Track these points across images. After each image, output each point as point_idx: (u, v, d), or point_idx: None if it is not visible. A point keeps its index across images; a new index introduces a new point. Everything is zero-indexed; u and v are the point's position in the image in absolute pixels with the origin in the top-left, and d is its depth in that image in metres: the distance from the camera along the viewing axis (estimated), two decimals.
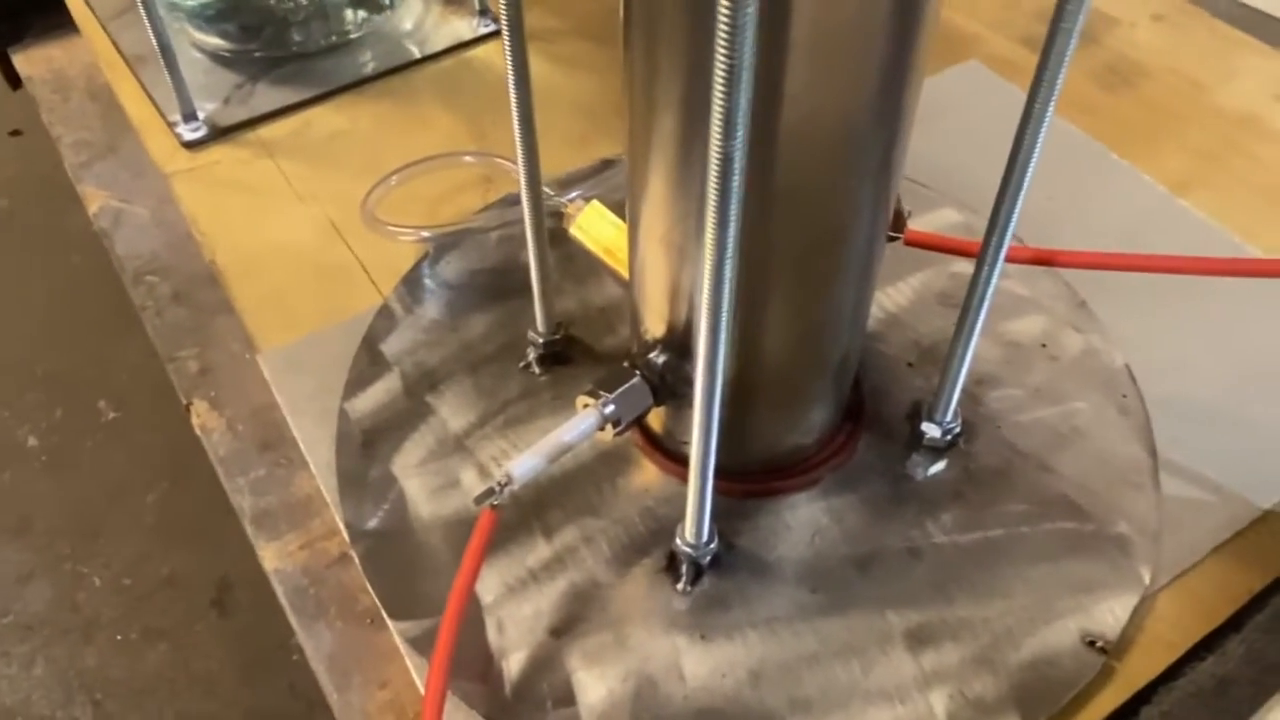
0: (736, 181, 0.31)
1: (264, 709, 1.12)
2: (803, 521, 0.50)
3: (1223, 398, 0.55)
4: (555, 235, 0.55)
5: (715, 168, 0.30)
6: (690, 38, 0.34)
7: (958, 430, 0.51)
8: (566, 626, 0.46)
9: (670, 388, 0.46)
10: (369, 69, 0.76)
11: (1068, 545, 0.49)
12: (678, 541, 0.47)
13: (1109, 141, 0.70)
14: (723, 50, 0.27)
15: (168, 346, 0.60)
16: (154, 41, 0.67)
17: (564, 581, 0.48)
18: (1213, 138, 0.70)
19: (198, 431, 0.56)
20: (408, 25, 0.80)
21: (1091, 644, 0.45)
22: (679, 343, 0.45)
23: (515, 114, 0.45)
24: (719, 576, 0.48)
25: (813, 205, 0.39)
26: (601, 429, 0.45)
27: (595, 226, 0.56)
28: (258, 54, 0.76)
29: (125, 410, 1.40)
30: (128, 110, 0.74)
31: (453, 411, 0.54)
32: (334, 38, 0.77)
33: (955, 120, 0.69)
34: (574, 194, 0.60)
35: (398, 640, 0.46)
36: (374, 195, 0.64)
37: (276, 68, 0.76)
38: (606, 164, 0.67)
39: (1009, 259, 0.44)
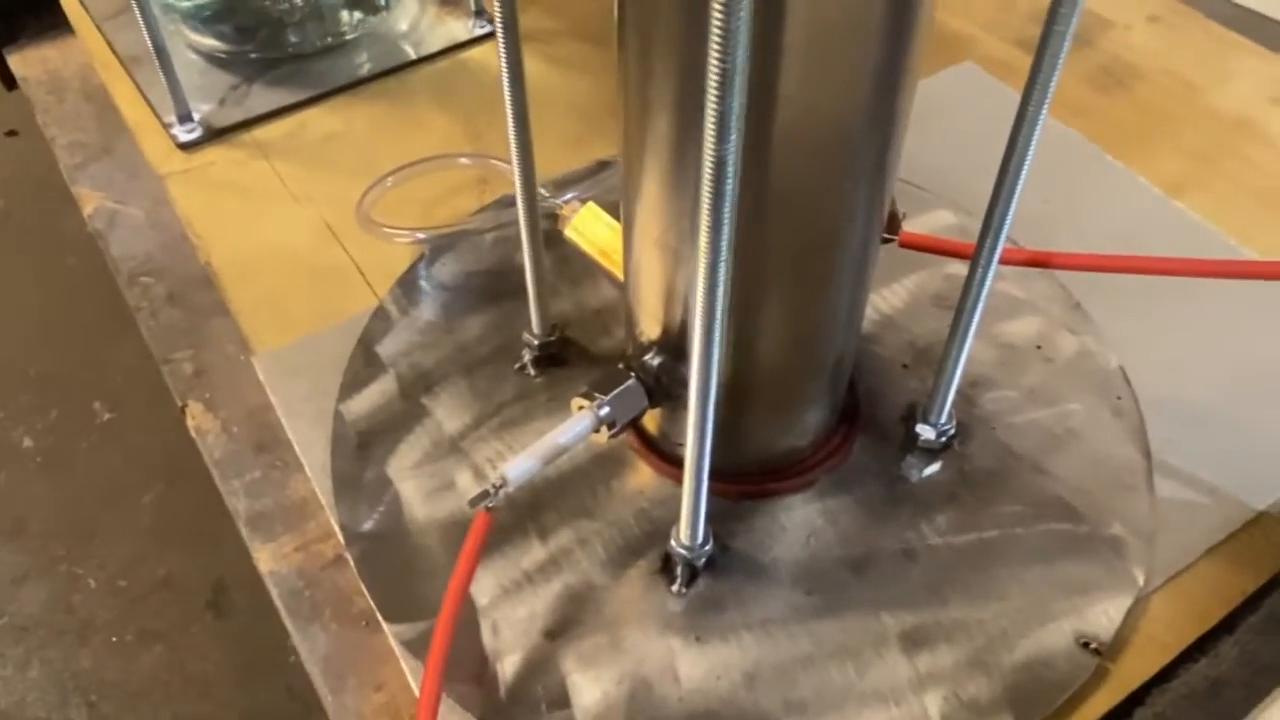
0: (730, 184, 0.31)
1: (260, 711, 1.12)
2: (798, 523, 0.50)
3: (1217, 400, 0.55)
4: (551, 237, 0.55)
5: (709, 171, 0.30)
6: (684, 40, 0.34)
7: (952, 432, 0.52)
8: (561, 629, 0.46)
9: (665, 390, 0.46)
10: (364, 70, 0.76)
11: (1062, 547, 0.49)
12: (673, 543, 0.47)
13: (1104, 143, 0.70)
14: (716, 54, 0.27)
15: (162, 348, 0.60)
16: (149, 43, 0.66)
17: (559, 584, 0.48)
18: (1208, 140, 0.70)
19: (193, 433, 0.56)
20: (403, 26, 0.80)
21: (1085, 645, 0.45)
22: (674, 345, 0.45)
23: (510, 115, 0.45)
24: (714, 578, 0.48)
25: (807, 207, 0.39)
26: (596, 431, 0.45)
27: (591, 228, 0.56)
28: (253, 55, 0.76)
29: (120, 412, 1.39)
30: (123, 111, 0.74)
31: (448, 413, 0.54)
32: (329, 39, 0.77)
33: (950, 122, 0.70)
34: (569, 196, 0.60)
35: (393, 642, 0.46)
36: (369, 197, 0.64)
37: (272, 69, 0.76)
38: (602, 165, 0.67)
39: (1004, 261, 0.44)
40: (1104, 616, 0.46)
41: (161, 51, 0.67)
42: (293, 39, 0.77)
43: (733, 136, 0.29)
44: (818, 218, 0.40)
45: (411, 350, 0.57)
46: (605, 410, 0.45)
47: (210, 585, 1.22)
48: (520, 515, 0.50)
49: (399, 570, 0.48)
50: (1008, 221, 0.42)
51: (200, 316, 0.61)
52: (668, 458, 0.51)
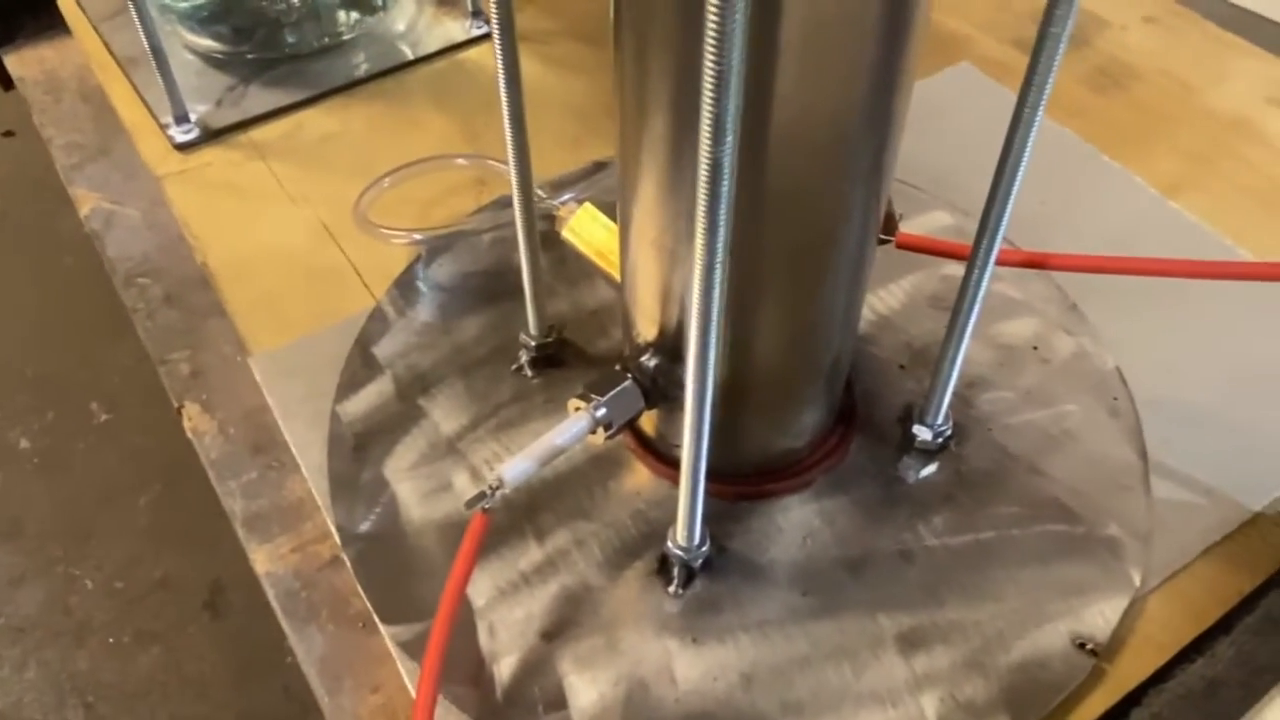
0: (726, 186, 0.31)
1: (257, 712, 1.12)
2: (794, 524, 0.50)
3: (1214, 400, 0.55)
4: (548, 238, 0.55)
5: (705, 173, 0.30)
6: (680, 41, 0.34)
7: (949, 433, 0.52)
8: (558, 630, 0.46)
9: (662, 391, 0.46)
10: (361, 71, 0.76)
11: (1058, 548, 0.49)
12: (669, 544, 0.47)
13: (1100, 144, 0.70)
14: (711, 55, 0.27)
15: (159, 349, 0.60)
16: (146, 43, 0.66)
17: (555, 585, 0.48)
18: (1204, 140, 0.70)
19: (189, 434, 0.56)
20: (400, 27, 0.80)
21: (1082, 646, 0.45)
22: (671, 346, 0.45)
23: (506, 115, 0.45)
24: (711, 579, 0.48)
25: (804, 208, 0.39)
26: (593, 432, 0.45)
27: (587, 229, 0.56)
28: (250, 56, 0.76)
29: (117, 413, 1.39)
30: (120, 112, 0.74)
31: (445, 414, 0.54)
32: (326, 39, 0.77)
33: (947, 122, 0.70)
34: (566, 196, 0.60)
35: (389, 644, 0.46)
36: (366, 197, 0.64)
37: (269, 70, 0.76)
38: (599, 166, 0.67)
39: (1001, 262, 0.44)
40: (1100, 617, 0.46)
41: (158, 52, 0.67)
42: (290, 39, 0.76)
43: (728, 138, 0.29)
44: (814, 218, 0.40)
45: (408, 351, 0.57)
46: (602, 412, 0.45)
47: (207, 586, 1.21)
48: (517, 516, 0.50)
49: (395, 571, 0.48)
50: (1004, 222, 0.42)
51: (197, 317, 0.61)
52: (665, 459, 0.51)
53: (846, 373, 0.51)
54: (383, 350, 0.57)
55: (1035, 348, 0.57)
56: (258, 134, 0.72)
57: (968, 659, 0.45)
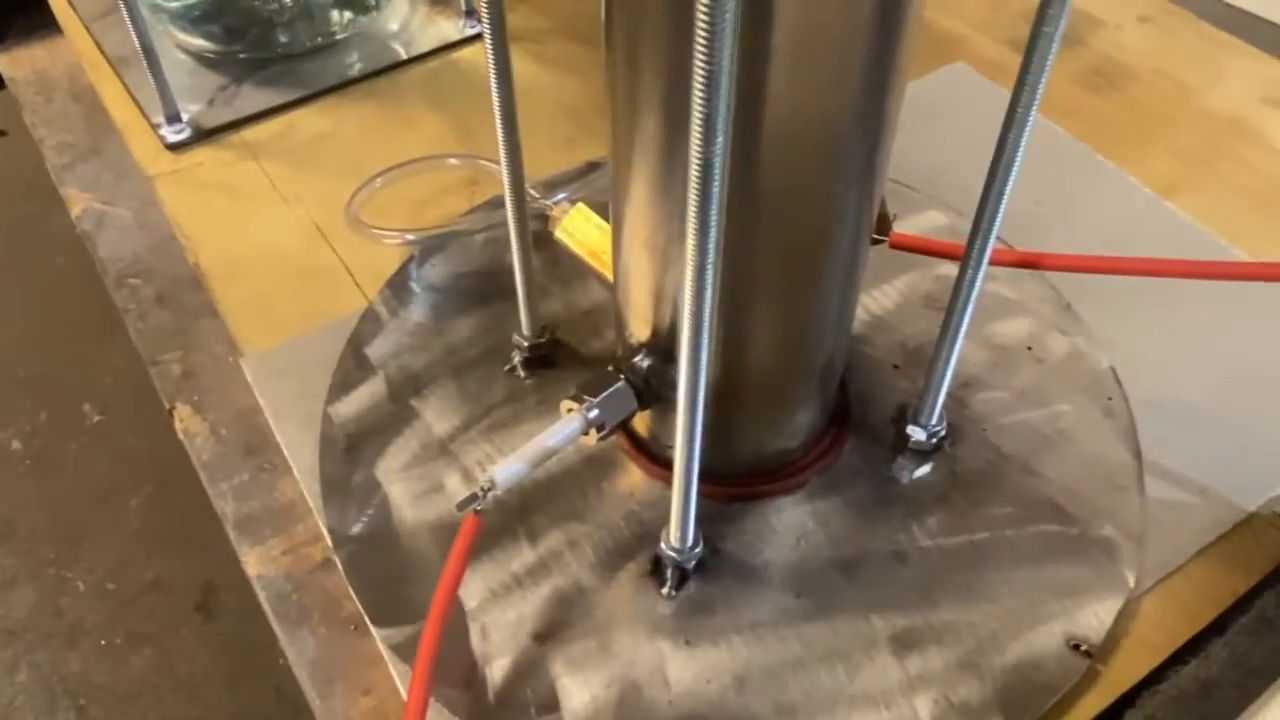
0: (717, 186, 0.30)
1: (249, 714, 1.12)
2: (788, 525, 0.49)
3: (1208, 400, 0.55)
4: (541, 238, 0.55)
5: (695, 172, 0.30)
6: (671, 41, 0.34)
7: (943, 433, 0.51)
8: (550, 632, 0.46)
9: (655, 391, 0.46)
10: (354, 70, 0.76)
11: (1052, 548, 0.49)
12: (663, 546, 0.46)
13: (1095, 144, 0.70)
14: (701, 55, 0.27)
15: (151, 350, 0.60)
16: (137, 43, 0.66)
17: (548, 587, 0.47)
18: (1199, 140, 0.70)
19: (180, 436, 0.55)
20: (394, 26, 0.80)
21: (1076, 647, 0.45)
22: (663, 346, 0.45)
23: (498, 114, 0.45)
24: (704, 581, 0.47)
25: (796, 208, 0.39)
26: (586, 434, 0.45)
27: (581, 229, 0.56)
28: (242, 55, 0.76)
29: (109, 414, 1.39)
30: (111, 112, 0.73)
31: (437, 416, 0.54)
32: (319, 39, 0.77)
33: (942, 122, 0.69)
34: (559, 196, 0.59)
35: (381, 646, 0.46)
36: (359, 198, 0.64)
37: (261, 69, 0.75)
38: (592, 166, 0.67)
39: (994, 262, 0.44)
40: (1094, 618, 0.46)
41: (150, 52, 0.67)
42: (282, 39, 0.76)
43: (719, 138, 0.29)
44: (807, 218, 0.39)
45: (401, 352, 0.57)
46: (594, 413, 0.45)
47: (199, 588, 1.21)
48: (509, 518, 0.50)
49: (387, 574, 0.48)
50: (998, 222, 0.42)
51: (188, 318, 0.61)
52: (658, 460, 0.51)
53: (840, 373, 0.51)
54: (375, 351, 0.57)
55: (1029, 348, 0.57)
56: (250, 134, 0.72)
57: (962, 660, 0.45)
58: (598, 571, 0.48)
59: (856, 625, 0.46)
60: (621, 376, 0.45)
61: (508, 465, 0.43)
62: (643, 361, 0.46)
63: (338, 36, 0.78)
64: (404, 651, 0.45)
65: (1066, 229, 0.64)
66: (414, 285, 0.61)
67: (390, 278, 0.61)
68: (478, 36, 0.78)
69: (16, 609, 1.21)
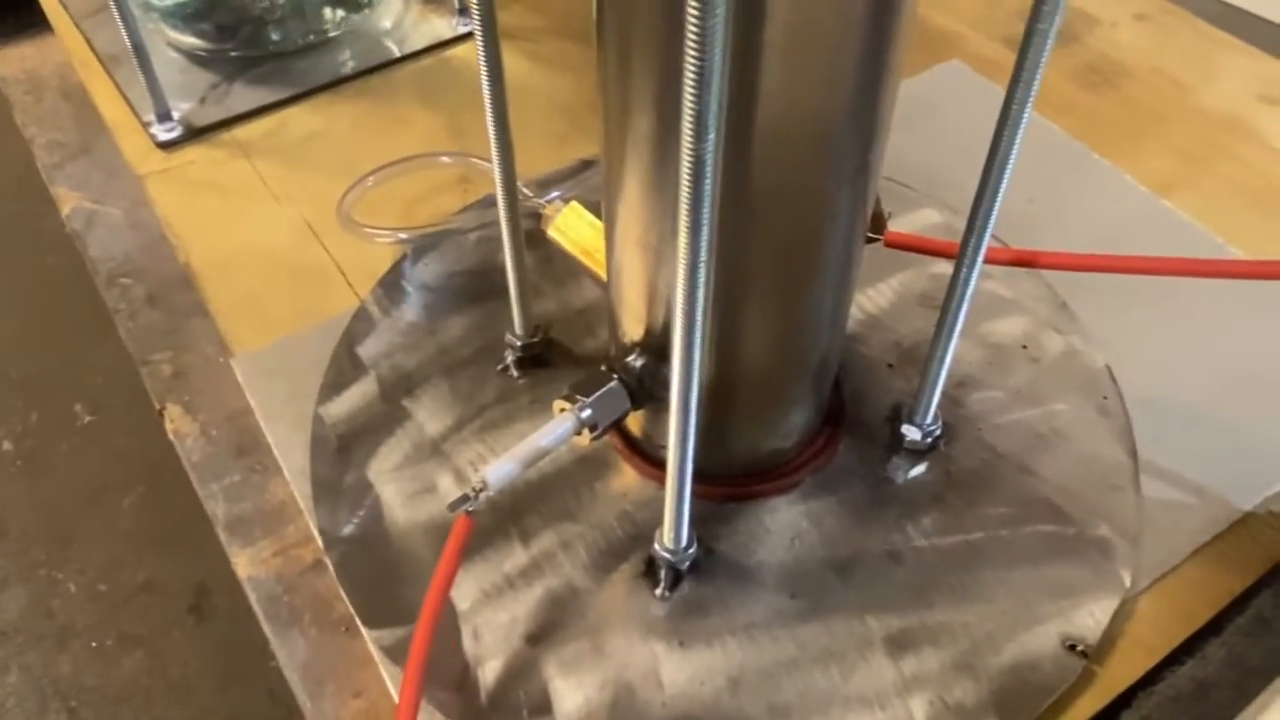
0: (709, 184, 0.30)
1: (241, 716, 1.11)
2: (782, 525, 0.49)
3: (1204, 399, 0.55)
4: (534, 237, 0.55)
5: (688, 170, 0.30)
6: (662, 39, 0.33)
7: (938, 433, 0.51)
8: (543, 634, 0.46)
9: (648, 391, 0.46)
10: (347, 68, 0.75)
11: (1048, 548, 0.48)
12: (656, 547, 0.46)
13: (1091, 142, 0.69)
14: (693, 52, 0.27)
15: (141, 350, 0.59)
16: (127, 41, 0.66)
17: (541, 588, 0.47)
18: (1195, 138, 0.70)
19: (171, 436, 0.55)
20: (386, 24, 0.79)
21: (1072, 648, 0.45)
22: (657, 346, 0.45)
23: (490, 113, 0.45)
24: (698, 582, 0.47)
25: (789, 206, 0.38)
26: (578, 434, 0.44)
27: (574, 228, 0.56)
28: (234, 53, 0.75)
29: (101, 414, 1.38)
30: (101, 110, 0.73)
31: (429, 416, 0.54)
32: (312, 37, 0.77)
33: (937, 120, 0.69)
34: (552, 195, 0.59)
35: (372, 648, 0.46)
36: (350, 196, 0.64)
37: (253, 67, 0.75)
38: (585, 164, 0.67)
39: (990, 260, 0.44)
40: (1090, 619, 0.46)
41: (140, 50, 0.67)
42: (274, 37, 0.76)
43: (710, 135, 0.29)
44: (800, 216, 0.39)
45: (393, 352, 0.57)
46: (587, 413, 0.44)
47: (191, 589, 1.21)
48: (502, 519, 0.49)
49: (379, 575, 0.48)
50: (993, 220, 0.41)
51: (179, 318, 0.61)
52: (651, 460, 0.51)
53: (835, 372, 0.51)
54: (367, 350, 0.57)
55: (1025, 346, 0.57)
56: (241, 132, 0.71)
57: (957, 661, 0.45)
58: (591, 572, 0.48)
59: (851, 626, 0.46)
60: (615, 376, 0.45)
61: (500, 465, 0.43)
62: (636, 361, 0.46)
63: (330, 34, 0.77)
64: (395, 653, 0.45)
65: (1062, 227, 0.64)
66: (406, 284, 0.61)
67: (382, 277, 0.61)
68: (471, 34, 0.78)
69: (7, 610, 1.20)
